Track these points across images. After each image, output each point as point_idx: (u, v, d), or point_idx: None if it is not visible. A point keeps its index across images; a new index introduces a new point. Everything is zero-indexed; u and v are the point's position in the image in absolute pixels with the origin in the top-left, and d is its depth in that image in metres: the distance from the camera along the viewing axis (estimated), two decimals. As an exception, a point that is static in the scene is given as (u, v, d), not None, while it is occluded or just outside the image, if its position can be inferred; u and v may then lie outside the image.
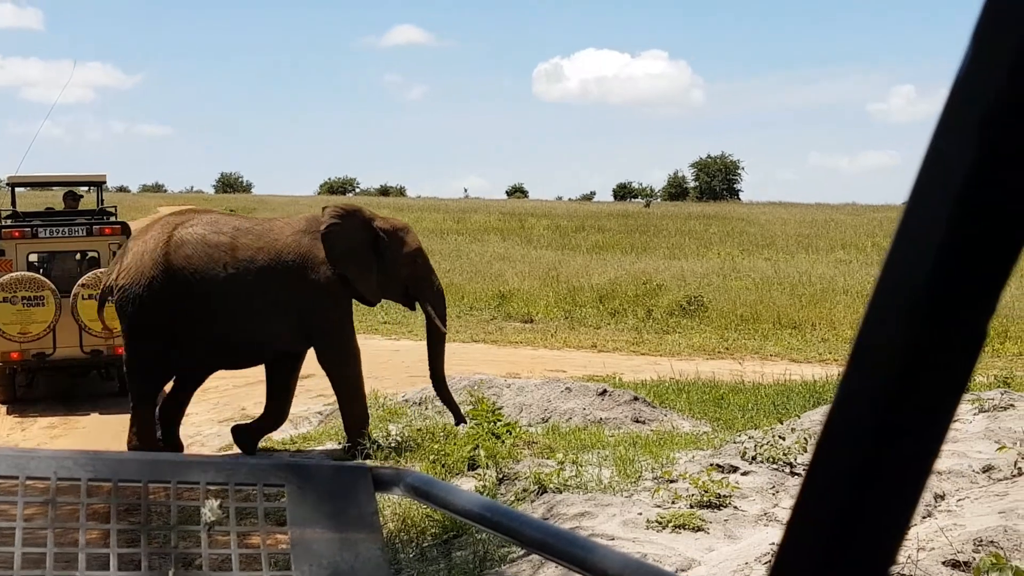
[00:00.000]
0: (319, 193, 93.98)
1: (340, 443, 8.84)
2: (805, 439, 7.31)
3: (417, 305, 9.04)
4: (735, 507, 5.99)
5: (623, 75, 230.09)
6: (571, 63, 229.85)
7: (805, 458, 6.94)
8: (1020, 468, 6.04)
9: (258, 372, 9.44)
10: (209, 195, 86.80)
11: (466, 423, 8.54)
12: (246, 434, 8.88)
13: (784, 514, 5.92)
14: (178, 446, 8.88)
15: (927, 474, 0.52)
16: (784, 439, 7.00)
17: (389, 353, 13.70)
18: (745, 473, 6.65)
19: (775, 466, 6.70)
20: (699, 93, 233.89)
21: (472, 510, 1.26)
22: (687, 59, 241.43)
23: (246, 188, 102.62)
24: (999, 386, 10.22)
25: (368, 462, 7.72)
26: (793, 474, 6.60)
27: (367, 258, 8.62)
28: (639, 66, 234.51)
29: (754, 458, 6.86)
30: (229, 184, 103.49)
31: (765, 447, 6.87)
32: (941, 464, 6.76)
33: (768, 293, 19.48)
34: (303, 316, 8.47)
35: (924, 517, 5.67)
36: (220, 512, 1.30)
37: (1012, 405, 8.77)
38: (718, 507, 5.96)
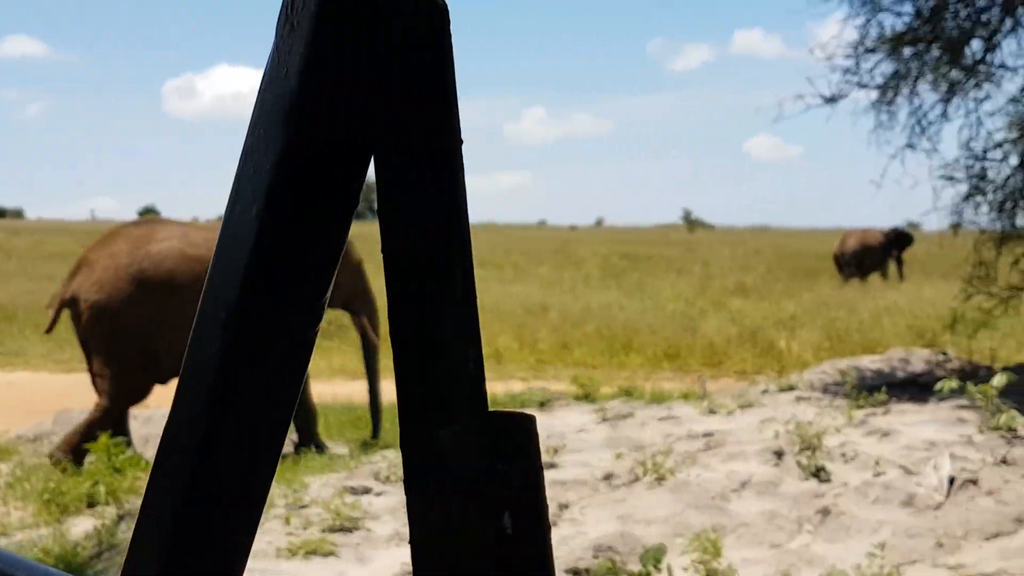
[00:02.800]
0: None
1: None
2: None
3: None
4: (367, 529, 5.92)
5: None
6: (204, 79, 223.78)
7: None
8: (637, 474, 6.36)
9: None
10: None
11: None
12: None
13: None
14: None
15: (263, 489, 0.50)
16: (418, 457, 7.03)
17: (2, 387, 12.58)
18: (379, 494, 6.60)
19: (409, 485, 6.70)
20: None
21: None
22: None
23: None
24: (622, 396, 10.80)
25: None
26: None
27: None
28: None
29: (388, 478, 6.83)
30: None
31: (399, 467, 6.85)
32: (566, 474, 7.01)
33: (409, 312, 19.68)
34: None
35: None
36: None
37: (632, 414, 9.30)
38: (350, 530, 5.86)
